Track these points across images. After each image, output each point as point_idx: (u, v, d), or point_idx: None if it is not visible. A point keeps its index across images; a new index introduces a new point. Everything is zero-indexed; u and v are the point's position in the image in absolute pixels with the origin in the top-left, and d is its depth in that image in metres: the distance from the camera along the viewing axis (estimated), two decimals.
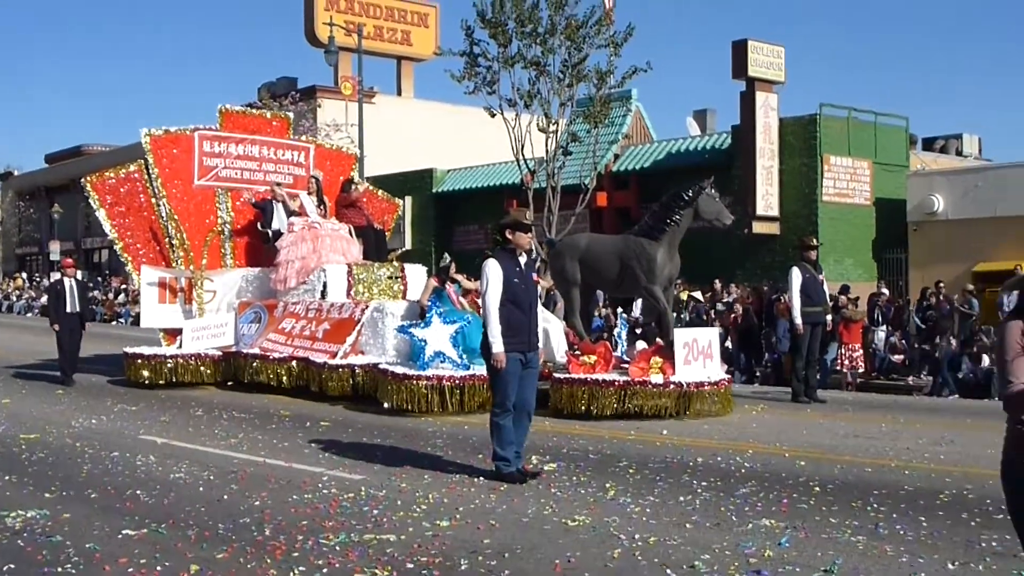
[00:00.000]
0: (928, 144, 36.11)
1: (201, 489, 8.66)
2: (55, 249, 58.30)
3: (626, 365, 13.18)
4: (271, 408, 14.09)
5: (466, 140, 42.60)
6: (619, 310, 16.10)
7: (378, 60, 48.43)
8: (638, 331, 17.91)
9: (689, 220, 13.90)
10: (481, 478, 8.97)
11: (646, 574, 6.08)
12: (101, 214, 17.62)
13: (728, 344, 20.24)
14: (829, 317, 15.59)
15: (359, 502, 8.03)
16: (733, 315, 21.21)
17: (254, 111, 19.92)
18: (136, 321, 37.89)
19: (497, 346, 8.68)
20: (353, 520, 7.44)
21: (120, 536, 7.08)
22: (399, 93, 49.55)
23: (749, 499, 8.03)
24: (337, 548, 6.68)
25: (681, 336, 13.07)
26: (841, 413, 13.65)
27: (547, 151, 24.29)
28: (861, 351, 19.74)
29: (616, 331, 14.64)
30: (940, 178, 27.09)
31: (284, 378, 15.44)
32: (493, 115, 24.05)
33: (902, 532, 6.94)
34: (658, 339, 13.99)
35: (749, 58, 26.61)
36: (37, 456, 10.31)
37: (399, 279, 16.89)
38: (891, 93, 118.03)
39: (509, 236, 8.94)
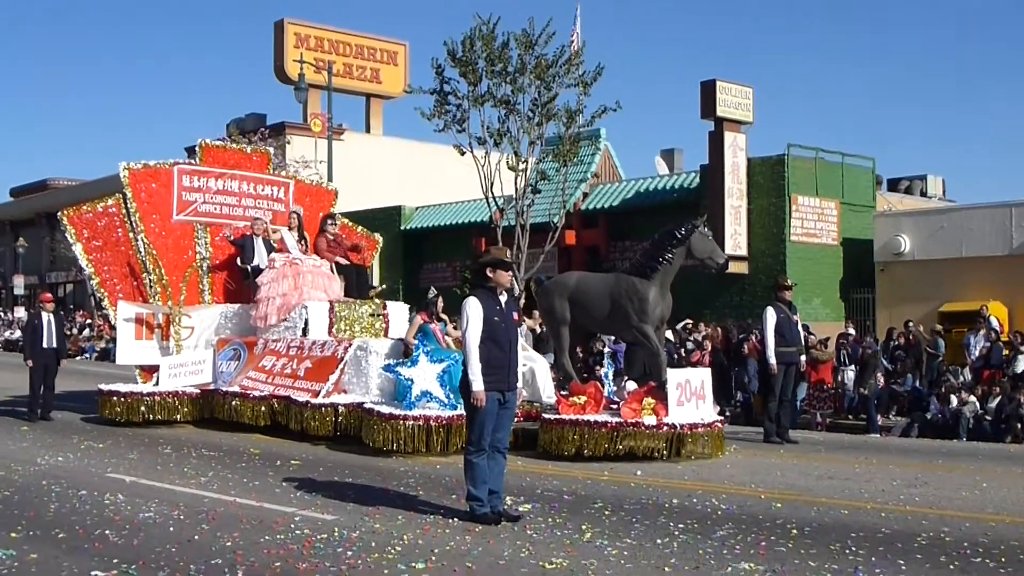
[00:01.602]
0: (893, 185, 36.43)
1: (171, 529, 8.51)
2: (19, 283, 57.80)
3: (615, 406, 13.03)
4: (241, 446, 13.92)
5: (435, 177, 42.64)
6: (605, 349, 15.91)
7: (347, 97, 48.49)
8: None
9: (682, 259, 13.72)
10: (455, 519, 8.88)
11: None
12: (78, 248, 17.37)
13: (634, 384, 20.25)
14: (803, 358, 15.62)
15: (332, 543, 7.92)
16: (702, 353, 21.21)
17: (234, 145, 19.74)
18: (101, 356, 37.67)
19: (477, 384, 8.64)
20: (327, 562, 7.33)
21: None
22: (368, 130, 49.55)
23: (727, 542, 7.98)
24: None
25: (674, 377, 12.90)
26: (813, 454, 13.66)
27: (516, 189, 24.32)
28: (830, 392, 19.82)
29: (603, 371, 14.51)
30: (906, 219, 27.32)
31: (264, 417, 15.19)
32: (463, 153, 24.06)
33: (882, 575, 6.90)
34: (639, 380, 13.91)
35: (717, 98, 26.79)
36: (2, 495, 10.11)
37: (381, 316, 16.69)
38: (857, 134, 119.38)
39: (490, 274, 8.91)
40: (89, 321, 46.03)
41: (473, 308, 8.73)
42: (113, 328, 37.40)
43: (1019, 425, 17.20)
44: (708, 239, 13.96)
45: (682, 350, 22.65)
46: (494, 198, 24.25)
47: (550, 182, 24.84)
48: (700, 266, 14.12)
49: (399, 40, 50.55)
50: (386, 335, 16.27)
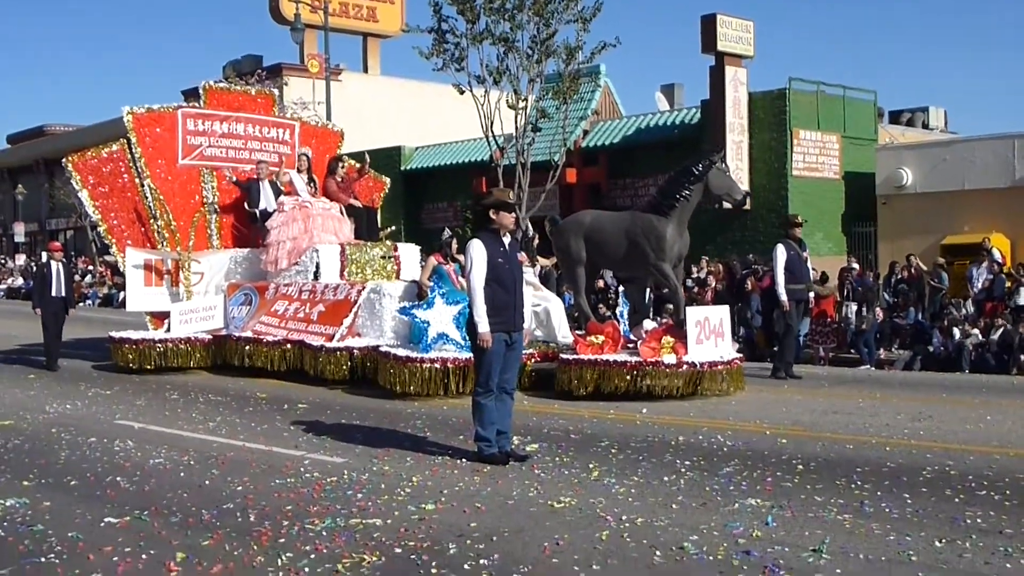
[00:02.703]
0: (894, 117, 36.24)
1: (182, 475, 8.59)
2: (19, 231, 57.82)
3: (632, 345, 12.98)
4: (247, 391, 13.99)
5: (434, 117, 42.42)
6: (620, 288, 15.79)
7: (344, 37, 48.04)
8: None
9: (699, 195, 13.52)
10: (464, 460, 8.94)
11: (635, 556, 6.07)
12: (83, 195, 17.26)
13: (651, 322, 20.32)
14: (812, 294, 15.60)
15: (342, 486, 7.99)
16: (705, 290, 21.25)
17: (238, 87, 19.49)
18: (105, 303, 37.77)
19: (483, 326, 8.66)
20: (338, 504, 7.40)
21: (103, 524, 7.01)
22: (365, 70, 49.21)
23: (733, 478, 8.05)
24: (324, 533, 6.64)
25: (693, 315, 12.80)
26: (818, 389, 13.73)
27: (516, 128, 24.20)
28: (832, 326, 19.87)
29: (618, 310, 14.45)
30: (908, 152, 27.20)
31: (278, 362, 15.17)
32: (462, 92, 23.91)
33: (887, 510, 6.97)
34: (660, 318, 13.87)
35: (718, 33, 26.55)
36: (12, 443, 10.18)
37: (392, 259, 16.57)
38: (858, 66, 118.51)
39: (493, 216, 8.89)
40: (91, 267, 46.05)
41: (477, 250, 8.73)
42: (116, 274, 37.42)
43: (1022, 357, 17.26)
44: (726, 175, 13.79)
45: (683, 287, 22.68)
46: (494, 137, 24.15)
47: (550, 120, 24.71)
48: (718, 202, 13.94)
49: None
50: (398, 277, 16.21)
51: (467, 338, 12.75)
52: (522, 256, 9.74)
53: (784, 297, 14.61)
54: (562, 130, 25.43)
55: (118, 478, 8.44)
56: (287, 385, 14.40)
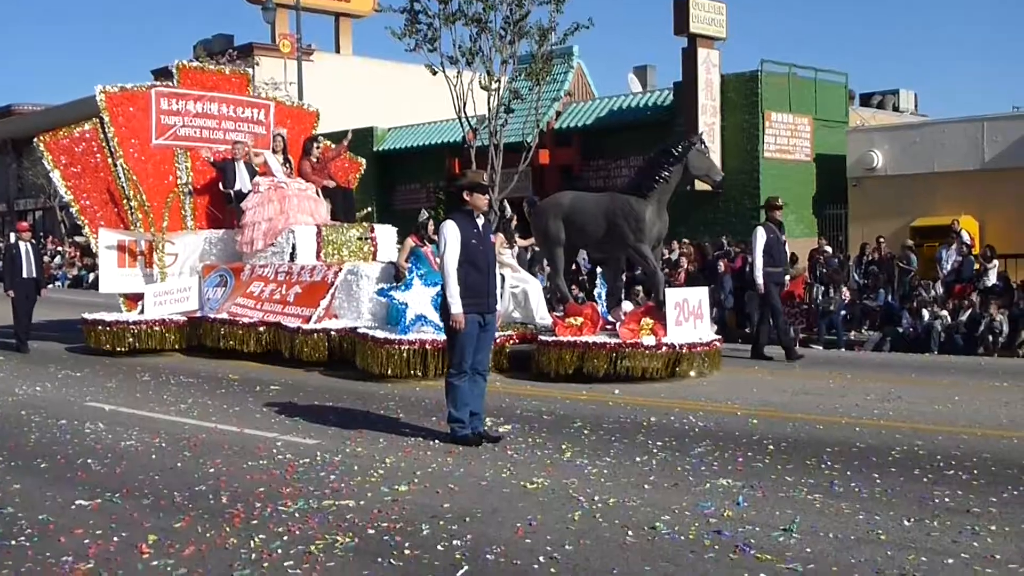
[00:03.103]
0: (865, 100, 36.37)
1: (153, 457, 8.56)
2: None
3: (610, 327, 12.97)
4: (219, 372, 13.95)
5: (407, 98, 42.20)
6: (598, 269, 15.73)
7: (316, 17, 47.76)
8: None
9: (679, 176, 13.50)
10: (437, 441, 8.96)
11: (608, 536, 6.10)
12: (55, 175, 17.11)
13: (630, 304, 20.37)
14: (788, 277, 15.62)
15: (315, 467, 7.99)
16: (677, 272, 21.31)
17: (212, 67, 19.32)
18: (74, 284, 37.52)
19: (456, 307, 8.67)
20: (311, 486, 7.40)
21: (74, 507, 6.99)
22: (338, 50, 48.94)
23: (705, 459, 8.10)
24: (296, 515, 6.64)
25: (672, 296, 12.83)
26: (789, 370, 13.80)
27: (489, 109, 24.12)
28: (801, 307, 19.97)
29: (595, 291, 14.43)
30: (879, 134, 27.30)
31: (254, 344, 15.11)
32: (434, 73, 23.79)
33: (857, 489, 7.03)
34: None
35: (691, 14, 26.50)
36: None
37: (369, 240, 16.47)
38: (829, 49, 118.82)
39: (467, 197, 8.89)
40: (60, 248, 45.69)
41: (451, 231, 8.72)
42: (85, 255, 37.08)
43: (990, 338, 17.42)
44: (706, 156, 13.78)
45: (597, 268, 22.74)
46: (467, 118, 24.07)
47: (523, 101, 24.64)
48: (697, 182, 13.92)
49: None
50: (375, 258, 16.12)
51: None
52: (496, 237, 9.71)
53: (760, 280, 14.65)
54: (535, 111, 25.37)
55: (89, 460, 8.41)
56: (261, 367, 14.36)
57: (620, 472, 7.70)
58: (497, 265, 14.48)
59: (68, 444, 9.15)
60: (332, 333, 14.17)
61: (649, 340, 12.45)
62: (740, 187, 26.47)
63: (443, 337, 12.27)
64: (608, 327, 13.07)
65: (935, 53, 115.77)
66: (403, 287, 13.26)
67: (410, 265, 13.62)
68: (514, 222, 16.72)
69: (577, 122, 31.49)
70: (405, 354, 12.77)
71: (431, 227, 14.47)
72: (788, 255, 15.57)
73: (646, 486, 7.26)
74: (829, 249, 22.99)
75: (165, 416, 10.57)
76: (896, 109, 36.01)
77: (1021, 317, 17.67)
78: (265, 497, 7.07)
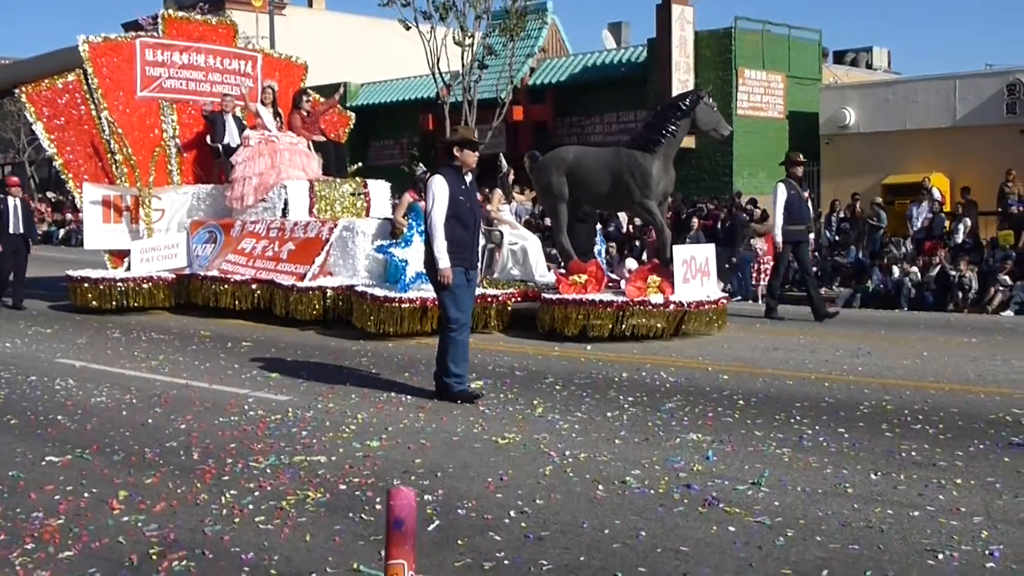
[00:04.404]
0: (839, 57, 36.37)
1: (124, 413, 8.53)
2: None
3: (613, 285, 12.83)
4: (191, 329, 13.89)
5: (380, 54, 41.91)
6: (598, 227, 15.43)
7: None
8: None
9: (686, 131, 13.29)
10: (408, 396, 8.97)
11: (578, 490, 6.14)
12: (38, 127, 16.72)
13: (645, 259, 20.40)
14: (812, 235, 15.42)
15: (287, 423, 7.99)
16: (650, 228, 21.30)
17: (199, 17, 19.03)
18: (44, 240, 37.15)
19: (443, 261, 8.61)
20: (282, 442, 7.40)
21: (44, 463, 6.96)
22: (310, 5, 48.58)
23: (675, 414, 8.15)
24: (268, 471, 6.64)
25: (680, 253, 12.62)
26: (759, 326, 13.88)
27: (463, 65, 24.05)
28: (773, 263, 20.03)
29: (595, 248, 14.26)
30: (852, 92, 27.36)
31: (247, 301, 14.78)
32: (408, 28, 23.68)
33: (825, 444, 7.10)
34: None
35: None
36: None
37: (362, 195, 16.17)
38: (803, 6, 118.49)
39: (456, 153, 8.80)
40: (33, 204, 45.24)
41: (439, 186, 8.65)
42: (55, 211, 36.70)
43: (959, 294, 17.56)
44: (713, 110, 13.47)
45: (631, 227, 22.78)
46: (441, 74, 23.98)
47: (497, 57, 24.59)
48: (705, 137, 13.77)
49: None
50: (367, 214, 15.86)
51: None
52: (495, 193, 9.58)
53: (780, 238, 14.45)
54: (509, 67, 25.30)
55: (59, 417, 8.38)
56: (231, 323, 14.32)
57: (591, 427, 7.74)
58: (495, 222, 14.49)
59: (38, 401, 9.11)
60: (328, 291, 13.87)
61: (657, 298, 12.27)
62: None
63: None
64: (610, 285, 12.91)
65: (909, 11, 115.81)
66: (403, 243, 12.97)
67: (410, 221, 13.33)
68: (511, 177, 16.50)
69: (551, 79, 31.40)
70: (406, 312, 12.53)
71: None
72: (811, 212, 15.20)
73: (617, 441, 7.30)
74: None
75: (136, 372, 10.53)
76: (869, 67, 36.03)
77: (990, 274, 17.82)
78: (236, 453, 7.07)
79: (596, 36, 38.16)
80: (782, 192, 14.51)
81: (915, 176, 23.48)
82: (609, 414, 8.18)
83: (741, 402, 8.54)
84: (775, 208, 14.58)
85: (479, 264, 9.31)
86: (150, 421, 8.20)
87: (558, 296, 12.61)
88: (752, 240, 20.20)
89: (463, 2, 23.40)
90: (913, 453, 6.82)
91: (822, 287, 19.59)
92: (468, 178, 8.91)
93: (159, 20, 17.84)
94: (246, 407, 8.63)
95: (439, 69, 23.86)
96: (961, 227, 20.07)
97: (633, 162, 13.10)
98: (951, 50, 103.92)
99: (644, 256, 14.31)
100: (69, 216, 39.08)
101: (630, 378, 9.78)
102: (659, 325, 12.29)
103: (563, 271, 13.19)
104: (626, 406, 8.48)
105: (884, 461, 6.64)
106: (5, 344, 12.74)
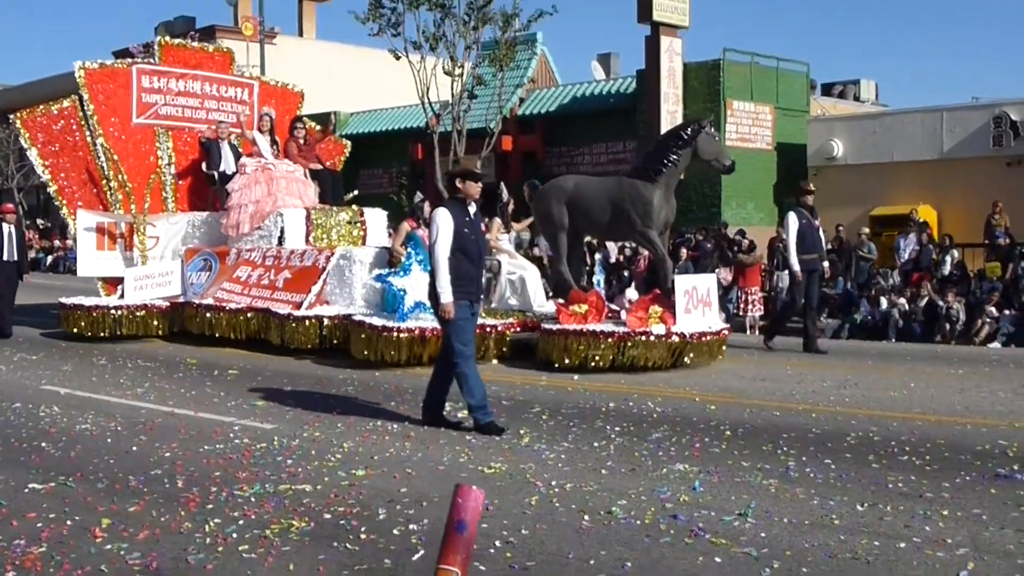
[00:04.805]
0: (827, 89, 36.57)
1: (109, 440, 8.49)
2: None
3: (611, 315, 12.74)
4: (177, 356, 13.85)
5: (370, 83, 42.05)
6: (596, 256, 15.25)
7: (279, 0, 47.50)
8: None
9: (687, 161, 13.21)
10: (395, 425, 8.95)
11: (564, 520, 6.11)
12: (33, 153, 16.66)
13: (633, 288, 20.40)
14: (826, 264, 15.13)
15: (272, 452, 7.95)
16: (641, 258, 21.34)
17: (195, 44, 19.09)
18: (34, 267, 37.02)
19: (446, 296, 8.51)
20: (267, 471, 7.36)
21: (27, 490, 6.91)
22: (301, 34, 48.66)
23: (662, 444, 8.13)
24: (252, 499, 6.61)
25: (681, 284, 12.54)
26: (747, 356, 13.87)
27: (452, 94, 24.11)
28: (760, 294, 20.08)
29: (594, 278, 14.16)
30: (839, 124, 27.48)
31: (242, 330, 14.66)
32: (398, 57, 23.75)
33: (812, 475, 7.09)
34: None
35: (654, 2, 26.50)
36: None
37: (359, 224, 16.12)
38: (791, 39, 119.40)
39: (459, 185, 8.74)
40: None
41: (443, 219, 8.56)
42: (42, 238, 36.54)
43: (947, 326, 17.60)
44: (715, 140, 13.46)
45: (620, 259, 22.81)
46: (430, 104, 24.05)
47: (486, 87, 24.66)
48: (706, 167, 13.70)
49: None
50: (364, 243, 15.79)
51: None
52: (493, 223, 9.55)
53: (797, 268, 14.18)
54: (498, 97, 25.36)
55: (43, 444, 8.33)
56: (218, 351, 14.27)
57: (577, 457, 7.72)
58: (494, 251, 14.46)
59: (22, 427, 9.05)
60: (325, 320, 13.76)
61: (658, 328, 12.18)
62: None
63: None
64: (611, 315, 12.82)
65: (896, 44, 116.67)
66: (401, 272, 12.89)
67: (408, 250, 13.23)
68: (511, 207, 16.46)
69: (540, 109, 31.50)
70: (404, 341, 12.42)
71: (428, 210, 14.16)
72: (823, 241, 15.04)
73: (603, 471, 7.28)
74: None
75: (121, 400, 10.48)
76: (857, 99, 36.25)
77: (977, 305, 17.87)
78: (221, 481, 7.03)
79: (585, 67, 38.48)
80: (793, 221, 14.31)
81: (902, 208, 23.57)
82: (596, 444, 8.16)
83: (728, 433, 8.53)
84: (788, 238, 14.35)
85: (482, 296, 9.21)
86: (135, 449, 8.16)
87: (558, 326, 12.49)
88: (716, 270, 20.17)
89: (453, 32, 23.49)
90: (900, 484, 6.81)
91: None
92: (472, 209, 8.82)
93: (156, 47, 17.83)
94: (231, 435, 8.59)
95: (429, 99, 23.93)
96: (948, 259, 20.13)
97: (634, 191, 13.04)
98: (938, 83, 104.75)
99: (632, 285, 14.17)
100: (57, 243, 39.01)
101: (617, 408, 9.76)
102: (660, 356, 12.16)
103: (563, 301, 13.08)
104: (613, 436, 8.47)
105: (871, 492, 6.63)
106: None
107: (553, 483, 6.91)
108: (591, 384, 11.21)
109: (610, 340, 12.13)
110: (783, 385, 11.19)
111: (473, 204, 8.87)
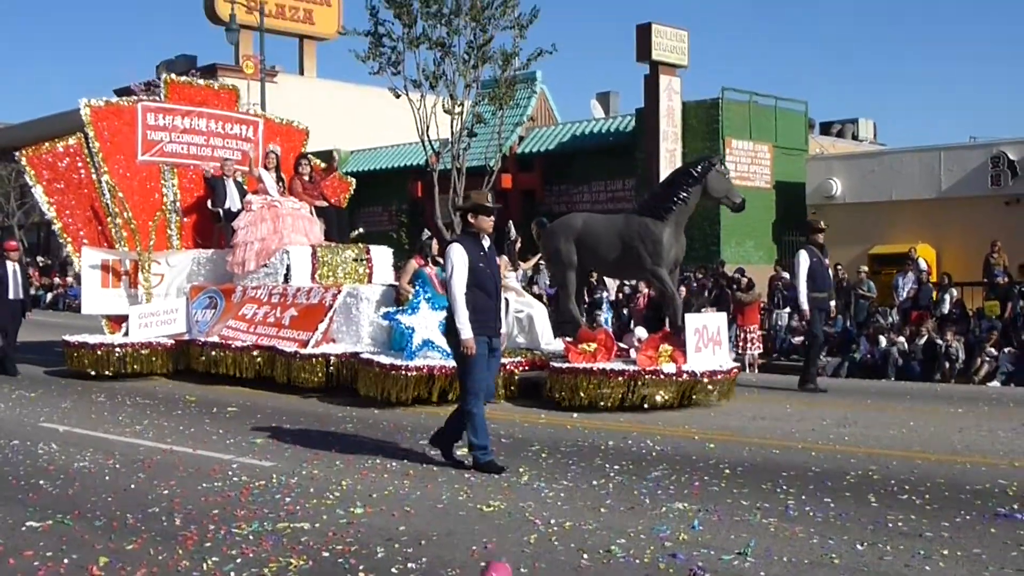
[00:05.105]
0: (825, 128, 36.77)
1: (107, 478, 8.47)
2: None
3: (620, 354, 12.67)
4: (176, 394, 13.84)
5: (370, 121, 42.21)
6: (604, 294, 15.18)
7: (280, 39, 47.69)
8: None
9: (697, 198, 13.15)
10: (394, 463, 8.93)
11: (563, 559, 6.09)
12: (38, 191, 16.65)
13: (632, 326, 20.39)
14: (833, 303, 14.99)
15: (271, 490, 7.93)
16: (641, 296, 21.36)
17: (200, 81, 19.05)
18: (34, 304, 37.05)
19: (466, 332, 8.46)
20: (265, 508, 7.34)
21: (24, 528, 6.89)
22: (302, 72, 48.90)
23: (661, 482, 8.12)
24: (250, 537, 6.59)
25: (692, 322, 12.42)
26: (746, 395, 13.84)
27: (452, 133, 24.17)
28: (759, 332, 20.08)
29: (601, 317, 14.09)
30: (838, 162, 27.61)
31: (248, 368, 14.57)
32: (398, 96, 23.82)
33: (811, 514, 7.07)
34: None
35: (653, 42, 26.77)
36: None
37: (365, 261, 16.09)
38: (789, 78, 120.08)
39: (472, 220, 8.72)
40: None
41: (458, 254, 8.53)
42: (43, 275, 36.59)
43: (946, 364, 17.60)
44: (725, 177, 13.40)
45: (619, 296, 22.81)
46: (430, 141, 24.10)
47: (486, 125, 24.73)
48: (716, 204, 13.63)
49: None
50: (370, 280, 15.75)
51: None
52: (501, 260, 9.52)
53: (806, 306, 14.00)
54: (498, 136, 25.44)
55: (41, 481, 8.31)
56: (218, 389, 14.27)
57: (577, 495, 7.70)
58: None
59: (20, 465, 9.03)
60: (332, 358, 13.65)
61: (669, 367, 12.08)
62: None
63: (451, 363, 11.53)
64: (620, 354, 12.73)
65: (894, 83, 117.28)
66: (409, 311, 12.77)
67: (417, 288, 13.15)
68: (518, 244, 16.39)
69: (540, 147, 31.64)
70: (412, 380, 12.32)
71: (435, 247, 14.09)
72: (832, 279, 14.90)
73: (602, 509, 7.26)
74: (787, 275, 23.10)
75: (120, 437, 10.47)
76: (855, 138, 36.43)
77: (976, 344, 17.89)
78: (219, 519, 7.01)
79: (585, 105, 38.54)
80: (805, 259, 14.12)
81: (901, 246, 23.64)
82: (595, 482, 8.15)
83: (727, 471, 8.51)
84: (798, 275, 14.14)
85: (502, 329, 9.14)
86: (133, 486, 8.14)
87: (568, 365, 12.37)
88: (704, 309, 20.15)
89: (453, 71, 23.58)
90: (900, 523, 6.79)
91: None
92: (486, 243, 8.79)
93: (162, 84, 17.91)
94: (230, 473, 8.57)
95: (428, 137, 24.00)
96: (947, 297, 20.16)
97: (644, 229, 13.01)
98: (936, 122, 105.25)
99: (631, 323, 14.15)
100: (57, 280, 39.02)
101: (616, 446, 9.75)
102: (670, 395, 12.07)
103: (571, 339, 12.99)
104: (612, 474, 8.45)
105: (871, 531, 6.61)
106: None
107: (552, 521, 6.89)
108: (590, 422, 11.20)
109: (620, 379, 12.03)
110: (782, 423, 11.18)
111: (487, 238, 8.83)
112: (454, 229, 21.70)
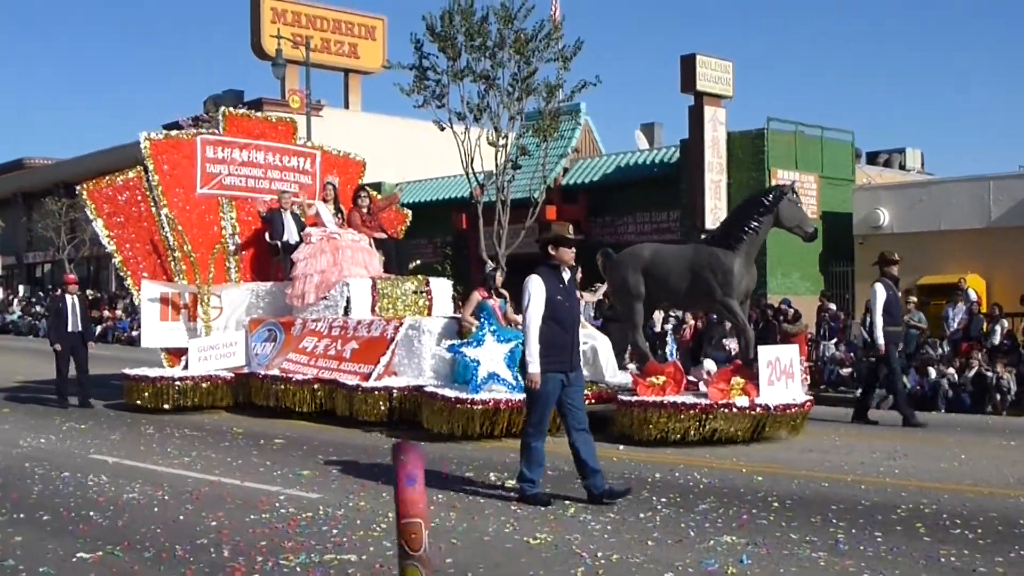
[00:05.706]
0: (872, 158, 36.53)
1: (156, 509, 8.54)
2: None
3: (689, 387, 12.44)
4: (224, 426, 13.93)
5: (415, 153, 42.48)
6: (668, 327, 14.96)
7: (325, 73, 48.21)
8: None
9: (768, 228, 13.03)
10: (440, 495, 8.91)
11: None
12: (98, 224, 16.70)
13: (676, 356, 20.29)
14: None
15: (318, 521, 7.96)
16: (685, 328, 21.30)
17: (258, 114, 19.05)
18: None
19: (534, 367, 8.41)
20: (313, 540, 7.36)
21: (75, 559, 6.96)
22: (347, 106, 49.35)
23: (709, 515, 8.06)
24: (298, 569, 6.61)
25: (765, 354, 12.23)
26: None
27: (496, 165, 24.26)
28: (806, 364, 19.88)
29: (667, 348, 13.92)
30: (885, 192, 27.41)
31: (309, 402, 14.42)
32: (442, 128, 23.98)
33: (862, 548, 6.99)
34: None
35: (697, 72, 26.74)
36: None
37: (424, 294, 15.97)
38: (836, 107, 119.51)
39: (552, 252, 8.66)
40: None
41: (535, 286, 8.48)
42: (93, 308, 37.03)
43: (997, 396, 17.35)
44: (797, 206, 13.25)
45: (667, 327, 22.73)
46: (474, 174, 24.21)
47: (530, 157, 24.79)
48: (789, 233, 13.49)
49: (377, 15, 50.24)
50: (430, 313, 15.65)
51: (518, 378, 11.30)
52: (580, 293, 9.41)
53: (881, 340, 13.91)
54: (542, 167, 25.49)
55: (91, 513, 8.39)
56: (267, 421, 14.31)
57: (623, 528, 7.66)
58: None
59: (71, 496, 9.13)
60: (394, 391, 13.47)
61: (742, 400, 11.91)
62: None
63: (517, 396, 11.63)
64: (689, 387, 12.48)
65: (942, 112, 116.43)
66: (474, 343, 12.60)
67: (482, 320, 12.96)
68: (579, 276, 16.26)
69: (584, 178, 31.68)
70: (477, 413, 12.14)
71: (499, 279, 14.05)
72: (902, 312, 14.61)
73: (649, 542, 7.22)
74: (833, 306, 22.96)
75: (169, 469, 10.55)
76: (902, 168, 36.16)
77: None
78: (267, 551, 7.04)
79: (629, 136, 38.74)
80: (881, 292, 13.98)
81: (951, 277, 23.37)
82: (642, 515, 8.10)
83: (776, 504, 8.44)
84: (875, 309, 13.93)
85: (579, 363, 9.01)
86: (181, 518, 8.20)
87: (637, 398, 12.16)
88: (724, 339, 19.96)
89: (497, 103, 23.69)
90: (952, 558, 6.70)
91: (857, 388, 19.43)
92: (566, 276, 8.72)
93: (220, 117, 18.01)
94: (277, 504, 8.61)
95: (473, 169, 24.11)
96: (998, 328, 19.91)
97: (714, 259, 12.87)
98: (984, 151, 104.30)
99: (676, 354, 13.93)
100: (107, 313, 39.45)
101: (663, 478, 9.70)
102: (743, 428, 11.88)
103: (639, 372, 12.79)
104: (659, 507, 8.40)
105: (922, 566, 6.53)
106: (40, 439, 12.82)
107: (599, 554, 6.86)
108: (636, 455, 11.14)
109: (692, 412, 11.85)
110: (831, 456, 11.06)
111: (567, 270, 8.77)
112: (498, 261, 21.78)
